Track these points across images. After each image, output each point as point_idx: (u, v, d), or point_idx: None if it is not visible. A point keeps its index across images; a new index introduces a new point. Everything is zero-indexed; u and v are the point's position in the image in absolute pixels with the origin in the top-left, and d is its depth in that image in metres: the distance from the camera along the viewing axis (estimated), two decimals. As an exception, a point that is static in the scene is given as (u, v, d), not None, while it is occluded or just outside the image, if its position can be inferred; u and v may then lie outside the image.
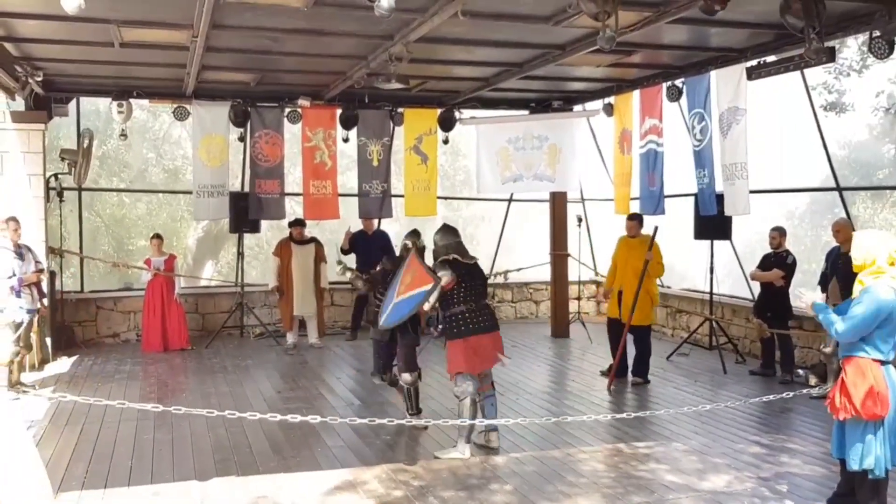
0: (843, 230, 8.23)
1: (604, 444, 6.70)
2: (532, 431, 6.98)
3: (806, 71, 8.75)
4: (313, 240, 11.24)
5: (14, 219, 8.73)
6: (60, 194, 11.00)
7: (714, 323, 10.26)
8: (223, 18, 6.90)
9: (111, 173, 23.25)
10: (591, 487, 5.70)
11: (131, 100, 10.42)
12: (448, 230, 6.81)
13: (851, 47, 19.11)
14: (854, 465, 4.75)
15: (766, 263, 9.23)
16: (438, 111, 11.45)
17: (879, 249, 4.76)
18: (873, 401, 4.61)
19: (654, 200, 10.06)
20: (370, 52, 8.21)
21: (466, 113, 11.73)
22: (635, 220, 9.32)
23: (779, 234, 9.23)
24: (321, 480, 5.82)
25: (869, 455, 4.67)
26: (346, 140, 11.30)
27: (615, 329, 9.12)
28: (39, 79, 9.37)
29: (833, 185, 10.37)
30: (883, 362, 4.67)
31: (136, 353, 10.66)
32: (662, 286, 12.52)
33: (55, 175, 10.95)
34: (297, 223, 11.17)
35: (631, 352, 9.07)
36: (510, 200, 14.04)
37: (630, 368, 9.03)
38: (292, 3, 6.37)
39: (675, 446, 6.63)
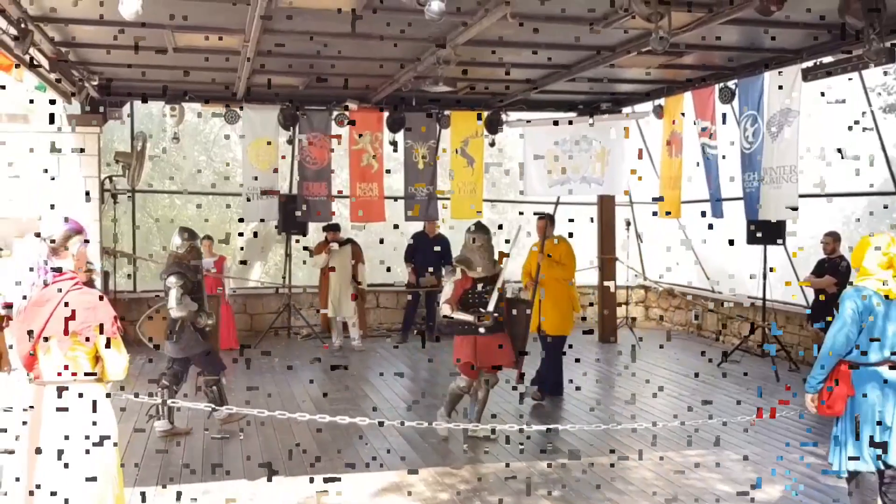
0: (908, 236, 7.98)
1: (653, 451, 6.59)
2: (580, 438, 6.91)
3: (864, 72, 8.52)
4: (349, 241, 11.27)
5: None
6: (115, 196, 11.25)
7: (766, 329, 10.03)
8: (274, 23, 6.97)
9: (163, 175, 23.72)
10: (640, 495, 5.61)
11: (183, 104, 10.61)
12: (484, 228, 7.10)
13: (911, 47, 18.57)
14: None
15: (820, 269, 9.01)
16: (485, 114, 11.42)
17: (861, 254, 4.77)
18: (824, 399, 4.74)
19: (714, 204, 9.87)
20: (418, 55, 8.23)
21: (513, 115, 11.67)
22: (544, 219, 8.13)
23: (833, 239, 9.01)
24: (368, 482, 5.85)
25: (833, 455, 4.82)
26: (392, 143, 11.34)
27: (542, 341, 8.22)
28: (95, 83, 9.60)
29: (892, 188, 10.08)
30: (851, 365, 4.65)
31: (186, 353, 10.81)
32: (712, 291, 12.31)
33: (109, 177, 11.20)
34: (331, 228, 11.19)
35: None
36: (557, 203, 13.94)
37: (532, 378, 8.17)
38: (343, 7, 6.40)
39: (727, 455, 6.50)
